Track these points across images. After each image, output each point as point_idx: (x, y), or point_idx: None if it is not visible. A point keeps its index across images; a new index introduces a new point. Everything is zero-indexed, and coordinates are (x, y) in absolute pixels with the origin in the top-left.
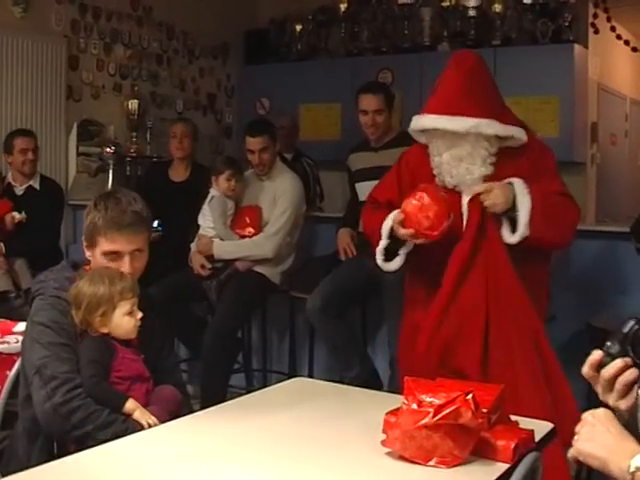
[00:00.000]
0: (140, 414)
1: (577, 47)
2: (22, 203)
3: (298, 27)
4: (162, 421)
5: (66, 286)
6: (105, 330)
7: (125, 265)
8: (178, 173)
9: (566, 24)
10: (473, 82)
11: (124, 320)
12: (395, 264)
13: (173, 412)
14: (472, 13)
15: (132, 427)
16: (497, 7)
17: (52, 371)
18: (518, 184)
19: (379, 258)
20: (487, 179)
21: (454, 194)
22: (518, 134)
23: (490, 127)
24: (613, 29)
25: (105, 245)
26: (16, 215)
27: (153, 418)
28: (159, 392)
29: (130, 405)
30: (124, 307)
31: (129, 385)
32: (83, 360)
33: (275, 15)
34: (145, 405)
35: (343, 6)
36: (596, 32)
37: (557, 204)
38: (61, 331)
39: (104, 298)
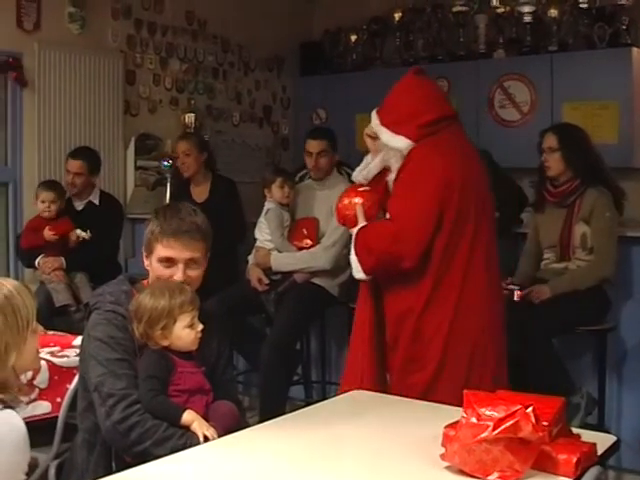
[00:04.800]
0: (198, 425)
1: (635, 50)
2: (82, 218)
3: (352, 37)
4: (219, 436)
5: (122, 300)
6: (166, 343)
7: (178, 273)
8: (199, 193)
9: (623, 27)
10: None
11: (184, 333)
12: None
13: (230, 428)
14: (528, 19)
15: (190, 441)
16: (553, 12)
17: (109, 388)
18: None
19: None
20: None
21: None
22: (385, 138)
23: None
24: None
25: (161, 251)
26: (81, 233)
27: (212, 430)
28: (217, 407)
29: (188, 417)
30: (184, 320)
31: (187, 397)
32: (141, 375)
33: (329, 26)
34: (206, 417)
35: (397, 15)
36: None
37: (368, 237)
38: (117, 346)
39: (165, 311)
